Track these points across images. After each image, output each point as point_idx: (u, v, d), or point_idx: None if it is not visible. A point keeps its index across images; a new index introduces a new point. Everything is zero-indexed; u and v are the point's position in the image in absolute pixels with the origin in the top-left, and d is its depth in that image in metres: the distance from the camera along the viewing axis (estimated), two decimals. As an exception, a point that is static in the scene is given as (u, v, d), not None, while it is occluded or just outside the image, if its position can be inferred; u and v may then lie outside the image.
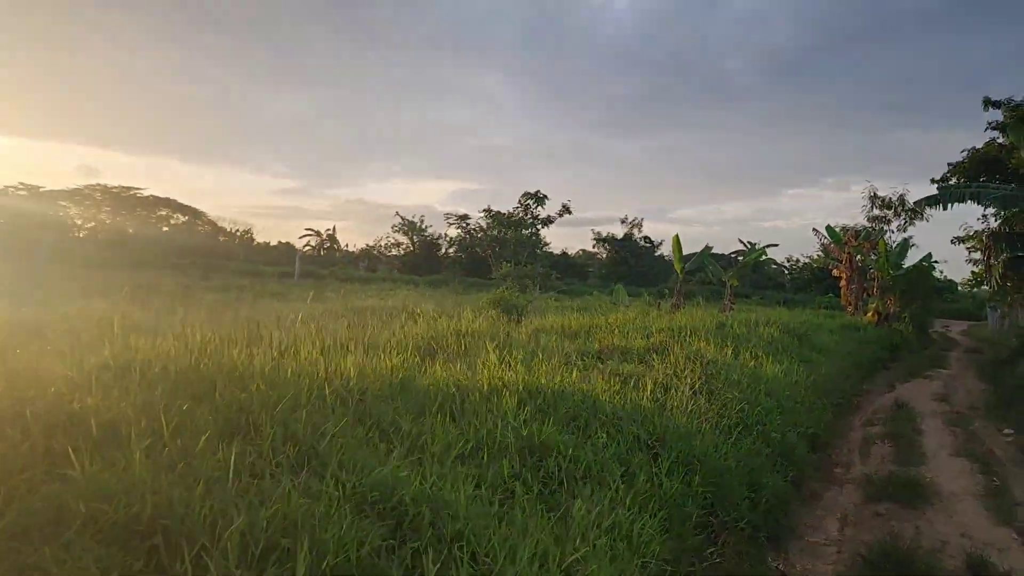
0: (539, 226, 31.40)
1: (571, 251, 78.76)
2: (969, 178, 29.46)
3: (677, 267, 25.87)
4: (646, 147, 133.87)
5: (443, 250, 72.29)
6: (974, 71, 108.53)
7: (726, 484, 6.32)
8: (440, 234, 69.67)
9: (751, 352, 12.41)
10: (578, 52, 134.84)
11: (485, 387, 6.46)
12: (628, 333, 12.41)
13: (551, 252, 72.44)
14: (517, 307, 20.51)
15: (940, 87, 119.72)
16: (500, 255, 31.95)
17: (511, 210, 30.92)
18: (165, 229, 62.47)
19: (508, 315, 19.38)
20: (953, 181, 28.55)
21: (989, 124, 38.78)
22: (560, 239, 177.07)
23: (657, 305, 22.97)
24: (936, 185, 17.24)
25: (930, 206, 17.79)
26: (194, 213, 64.96)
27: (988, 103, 36.59)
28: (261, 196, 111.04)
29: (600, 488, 5.19)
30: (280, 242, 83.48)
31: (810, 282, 63.34)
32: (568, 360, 9.74)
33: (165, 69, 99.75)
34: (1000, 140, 37.47)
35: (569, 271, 72.33)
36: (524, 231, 31.07)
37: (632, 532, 4.66)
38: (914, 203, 19.41)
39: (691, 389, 8.30)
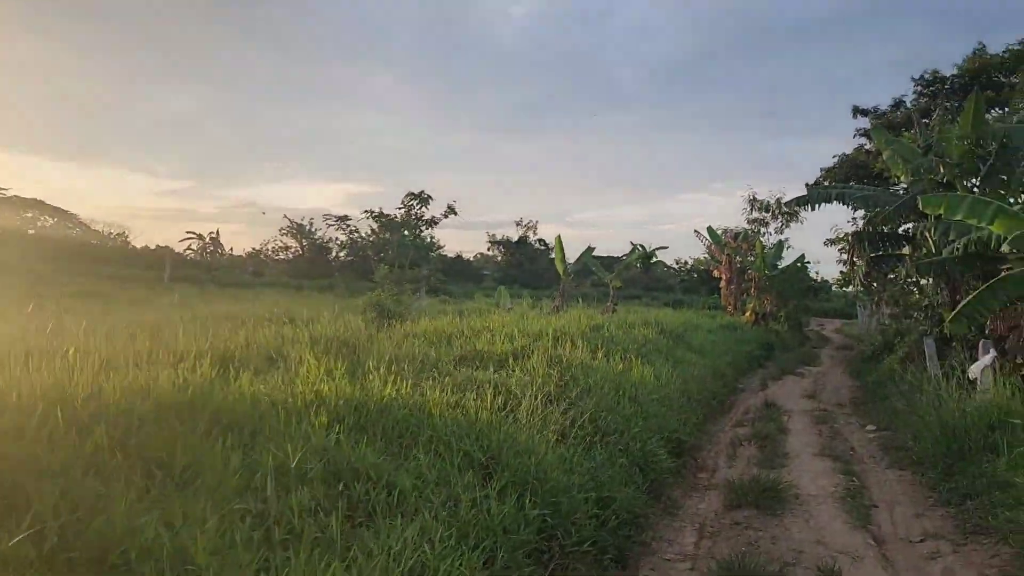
0: (423, 227, 30.66)
1: (469, 254, 78.37)
2: (839, 181, 30.62)
3: (559, 268, 25.66)
4: (545, 150, 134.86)
5: (333, 254, 70.40)
6: (847, 82, 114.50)
7: (570, 503, 5.79)
8: (331, 237, 67.84)
9: (621, 355, 12.09)
10: (475, 55, 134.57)
11: (299, 402, 5.71)
12: (499, 337, 11.86)
13: (445, 255, 71.80)
14: (392, 311, 19.77)
15: (816, 97, 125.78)
16: (386, 258, 31.04)
17: (394, 211, 30.13)
18: (31, 232, 58.17)
19: (383, 319, 18.62)
20: (826, 184, 29.59)
21: (857, 131, 40.61)
22: (459, 242, 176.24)
23: (539, 307, 22.64)
24: (806, 187, 17.65)
25: (800, 206, 18.17)
26: (64, 215, 60.73)
27: (857, 111, 38.36)
28: (145, 198, 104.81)
29: (414, 518, 4.54)
30: (158, 245, 79.26)
31: (698, 283, 65.02)
32: (424, 367, 9.11)
33: (35, 63, 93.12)
34: (867, 146, 39.34)
35: (463, 274, 71.84)
36: (407, 233, 30.23)
37: (439, 571, 4.03)
38: (785, 203, 19.95)
39: (544, 397, 7.78)
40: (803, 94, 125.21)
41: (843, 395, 16.74)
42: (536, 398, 7.61)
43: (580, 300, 26.03)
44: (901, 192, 17.77)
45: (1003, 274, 11.67)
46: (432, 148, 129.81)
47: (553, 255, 32.86)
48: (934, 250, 15.38)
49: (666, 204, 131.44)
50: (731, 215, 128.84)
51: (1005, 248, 10.49)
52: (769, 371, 20.62)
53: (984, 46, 35.01)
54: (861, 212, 26.64)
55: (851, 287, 19.16)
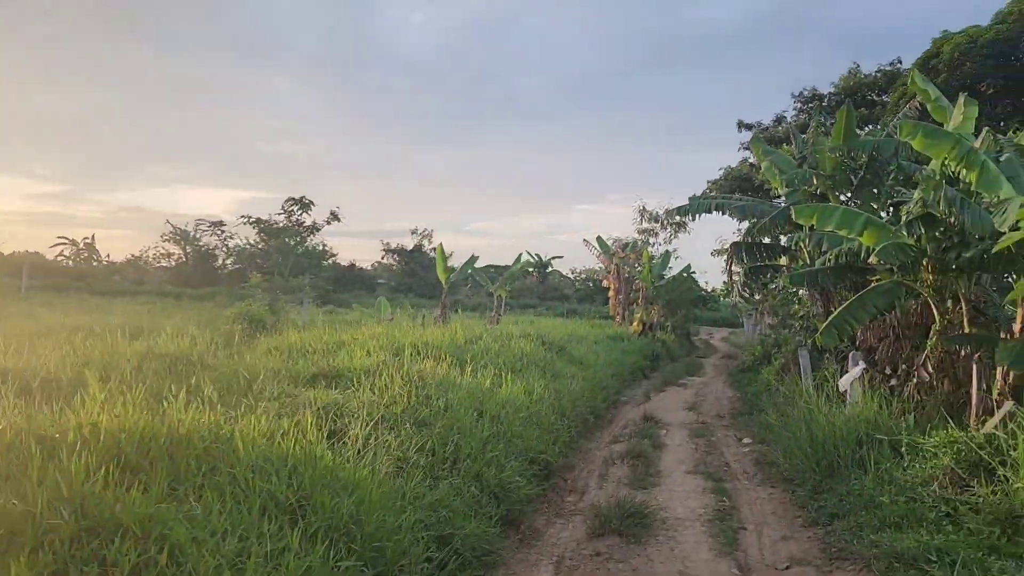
0: (305, 233, 29.30)
1: (366, 263, 76.70)
2: (724, 193, 31.19)
3: (442, 277, 24.93)
4: (446, 160, 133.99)
5: (219, 261, 67.50)
6: (742, 99, 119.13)
7: (397, 546, 5.03)
8: (216, 244, 65.01)
9: (494, 370, 11.43)
10: (378, 63, 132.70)
11: (73, 436, 4.74)
12: (360, 351, 10.99)
13: (339, 263, 69.87)
14: (264, 322, 18.55)
15: (714, 113, 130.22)
16: (269, 266, 29.49)
17: (274, 217, 28.67)
18: None
19: (253, 331, 17.41)
20: (709, 195, 30.05)
21: (742, 145, 41.82)
22: (358, 250, 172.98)
23: (421, 318, 21.82)
24: (689, 199, 17.59)
25: (681, 215, 18.13)
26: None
27: (741, 125, 39.49)
28: (21, 201, 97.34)
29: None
30: (27, 251, 73.78)
31: (593, 293, 65.53)
32: (264, 387, 8.17)
33: None
34: (751, 160, 40.46)
35: (358, 283, 70.12)
36: (289, 239, 28.82)
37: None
38: (667, 212, 19.92)
39: (391, 420, 7.01)
40: (702, 111, 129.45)
41: (723, 406, 16.65)
42: (376, 422, 6.81)
43: (459, 310, 25.33)
44: (779, 203, 17.92)
45: (872, 285, 11.67)
46: (333, 155, 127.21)
47: (449, 264, 32.33)
48: (808, 261, 15.48)
49: (565, 215, 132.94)
50: (626, 225, 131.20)
51: (874, 259, 10.43)
52: (653, 382, 20.48)
53: (858, 66, 36.60)
54: (747, 224, 27.21)
55: (730, 297, 19.26)
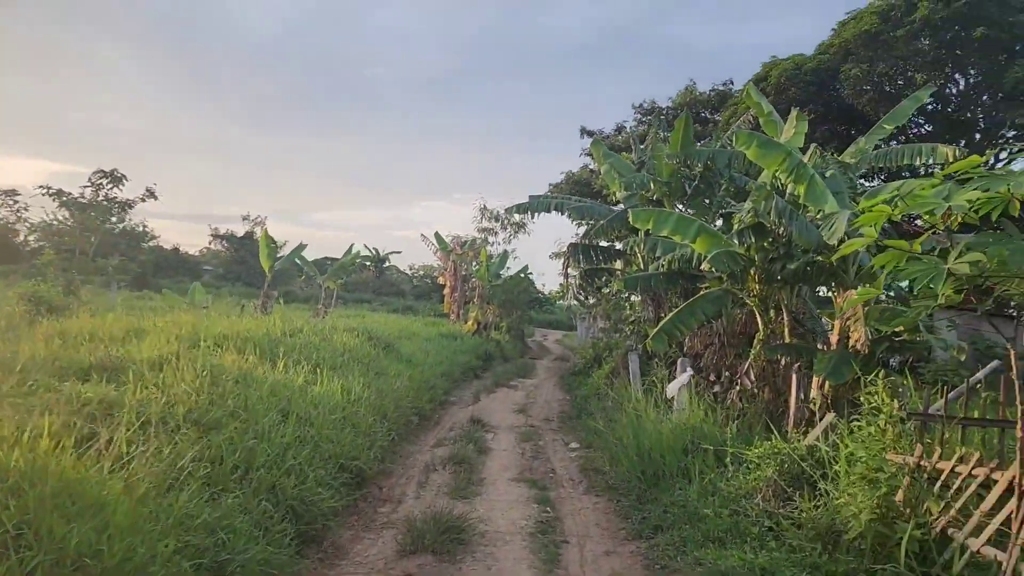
0: (116, 210, 26.54)
1: (194, 248, 71.77)
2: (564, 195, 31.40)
3: (265, 265, 23.33)
4: (289, 146, 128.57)
5: (21, 237, 60.85)
6: (581, 108, 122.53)
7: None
8: (11, 216, 58.39)
9: (310, 365, 10.44)
10: (220, 40, 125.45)
11: None
12: (167, 339, 9.65)
13: (162, 247, 65.04)
14: (53, 305, 16.40)
15: (555, 120, 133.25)
16: (71, 244, 26.46)
17: (80, 190, 25.69)
18: None
19: (39, 314, 15.32)
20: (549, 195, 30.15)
21: (583, 151, 42.57)
22: (186, 234, 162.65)
23: (241, 307, 20.21)
24: (529, 197, 17.30)
25: (520, 213, 17.81)
26: None
27: (584, 132, 40.13)
28: None
29: None
30: None
31: (430, 290, 64.75)
32: (29, 378, 6.81)
33: None
34: (591, 165, 41.27)
35: (182, 268, 65.48)
36: (96, 215, 25.99)
37: None
38: (506, 210, 19.61)
39: (163, 424, 5.93)
40: (548, 117, 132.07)
41: (553, 410, 16.41)
42: (149, 424, 5.73)
43: (287, 302, 23.85)
44: (617, 208, 17.96)
45: (702, 292, 11.70)
46: (164, 132, 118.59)
47: (281, 254, 30.49)
48: (642, 266, 15.54)
49: (408, 210, 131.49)
50: (469, 224, 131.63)
51: (706, 266, 10.40)
52: (484, 383, 20.01)
53: (694, 83, 38.20)
54: (585, 227, 27.46)
55: (566, 299, 19.19)
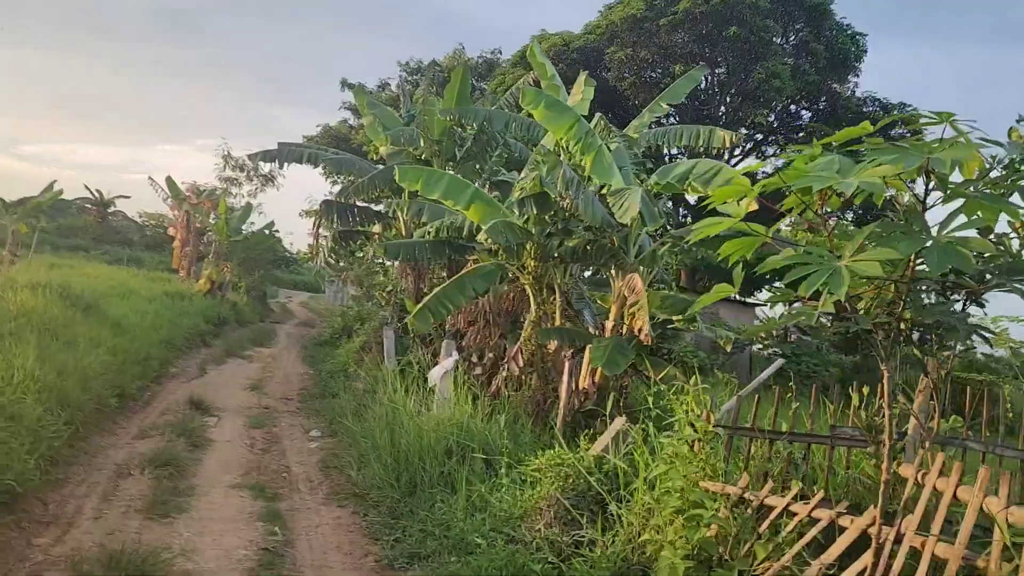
0: None
1: None
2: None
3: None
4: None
5: None
6: (343, 61, 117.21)
7: None
8: None
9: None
10: None
11: None
12: None
13: None
14: None
15: (315, 71, 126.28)
16: None
17: None
18: None
19: None
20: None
21: (343, 104, 40.02)
22: None
23: None
24: (278, 144, 15.00)
25: (266, 161, 15.44)
26: None
27: (345, 84, 37.45)
28: None
29: None
30: None
31: (163, 242, 58.20)
32: None
33: None
34: (351, 121, 38.90)
35: None
36: None
37: None
38: (250, 156, 17.02)
39: None
40: (308, 67, 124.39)
41: (293, 386, 14.47)
42: None
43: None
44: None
45: (474, 266, 10.48)
46: None
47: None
48: (405, 232, 14.04)
49: (146, 152, 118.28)
50: (209, 172, 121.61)
51: (482, 237, 9.14)
52: (214, 352, 17.41)
53: (463, 47, 37.19)
54: (342, 185, 25.29)
55: (315, 261, 17.18)
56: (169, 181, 27.20)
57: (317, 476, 8.46)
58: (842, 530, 3.73)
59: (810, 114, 31.17)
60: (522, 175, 10.05)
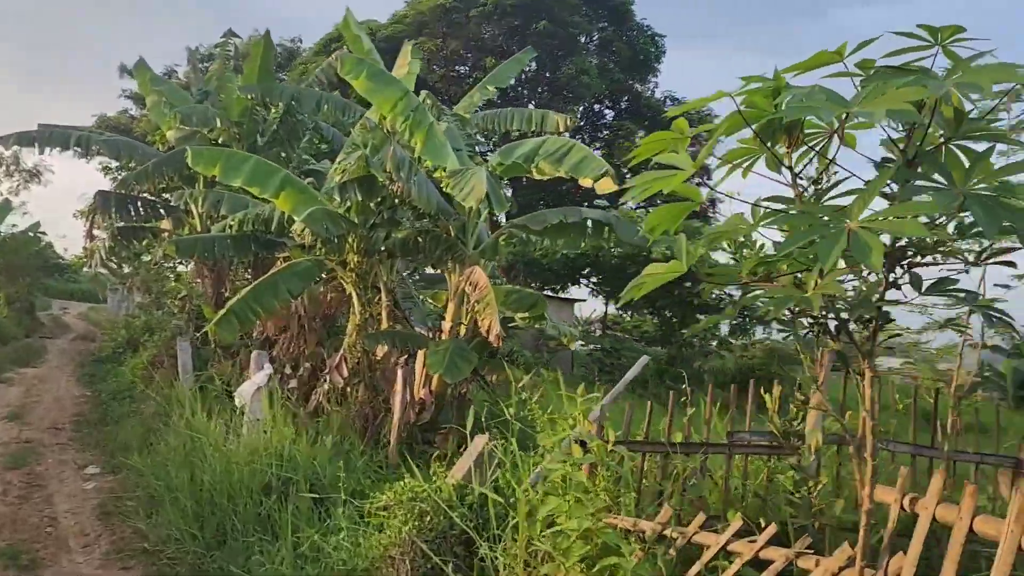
0: None
1: None
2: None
3: None
4: None
5: None
6: (123, 47, 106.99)
7: None
8: None
9: None
10: None
11: None
12: None
13: None
14: None
15: (89, 57, 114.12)
16: None
17: None
18: None
19: None
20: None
21: (123, 92, 36.12)
22: None
23: None
24: (38, 125, 12.56)
25: (21, 145, 12.63)
26: None
27: (124, 70, 33.53)
28: None
29: None
30: None
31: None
32: None
33: None
34: (132, 112, 35.16)
35: None
36: None
37: None
38: (0, 139, 14.12)
39: None
40: (80, 52, 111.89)
41: (65, 412, 12.17)
42: None
43: None
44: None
45: (287, 264, 9.07)
46: None
47: None
48: (200, 227, 12.21)
49: None
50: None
51: (297, 228, 7.76)
52: (-38, 376, 14.50)
53: (232, 31, 34.50)
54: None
55: (91, 266, 14.63)
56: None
57: (94, 528, 6.76)
58: (803, 575, 2.95)
59: (613, 113, 31.92)
60: (341, 156, 8.79)
